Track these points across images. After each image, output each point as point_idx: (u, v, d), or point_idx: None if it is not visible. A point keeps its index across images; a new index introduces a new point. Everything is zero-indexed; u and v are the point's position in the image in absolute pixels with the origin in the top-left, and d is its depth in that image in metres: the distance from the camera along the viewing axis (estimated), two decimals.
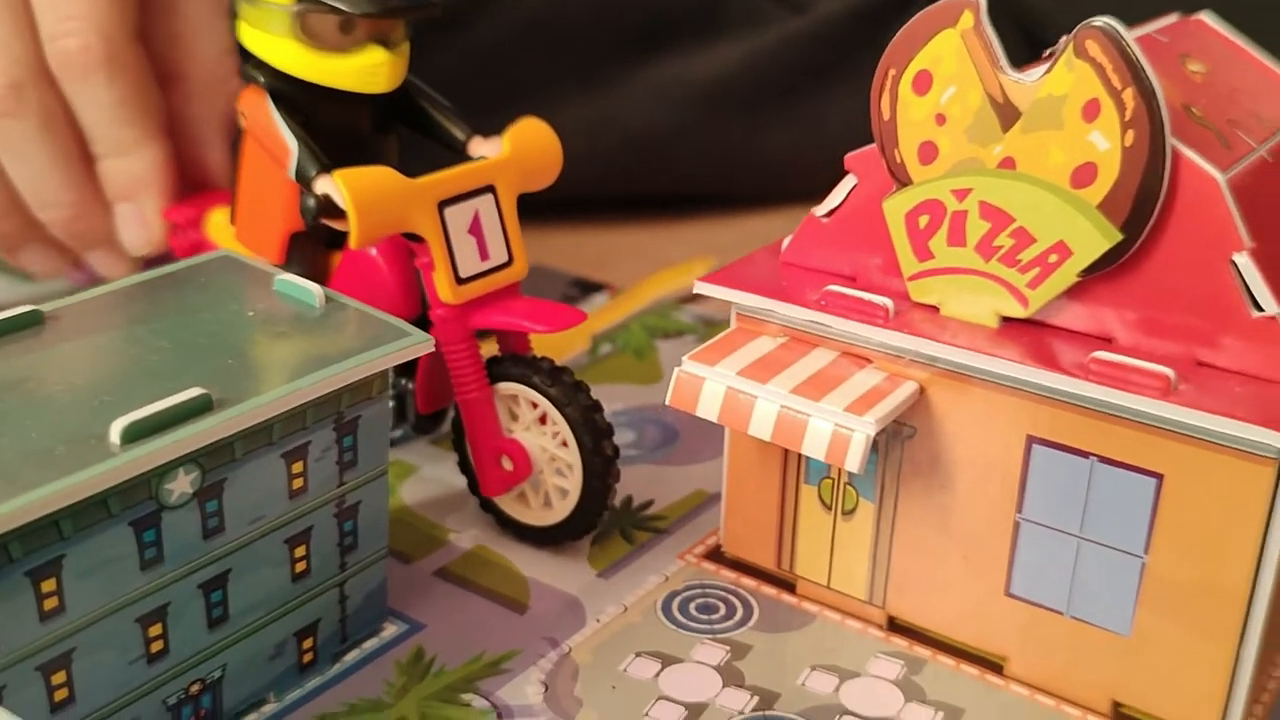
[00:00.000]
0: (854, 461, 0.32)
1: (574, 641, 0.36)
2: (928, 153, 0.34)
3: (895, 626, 0.37)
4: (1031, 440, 0.33)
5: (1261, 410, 0.30)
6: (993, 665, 0.35)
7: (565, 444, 0.37)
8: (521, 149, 0.39)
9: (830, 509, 0.37)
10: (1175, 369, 0.31)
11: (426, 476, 0.43)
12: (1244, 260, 0.31)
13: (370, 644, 0.35)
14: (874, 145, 0.35)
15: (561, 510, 0.39)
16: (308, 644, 0.34)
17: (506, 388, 0.38)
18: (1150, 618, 0.32)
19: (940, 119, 0.34)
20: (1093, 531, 0.33)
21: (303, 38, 0.37)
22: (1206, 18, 0.40)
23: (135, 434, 0.27)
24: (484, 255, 0.38)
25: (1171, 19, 0.39)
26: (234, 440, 0.29)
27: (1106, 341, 0.33)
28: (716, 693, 0.34)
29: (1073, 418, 0.32)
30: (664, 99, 0.67)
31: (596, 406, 0.37)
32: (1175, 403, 0.30)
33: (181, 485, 0.29)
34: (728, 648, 0.35)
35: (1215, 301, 0.31)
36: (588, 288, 0.59)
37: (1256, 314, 0.31)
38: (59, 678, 0.28)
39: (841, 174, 0.36)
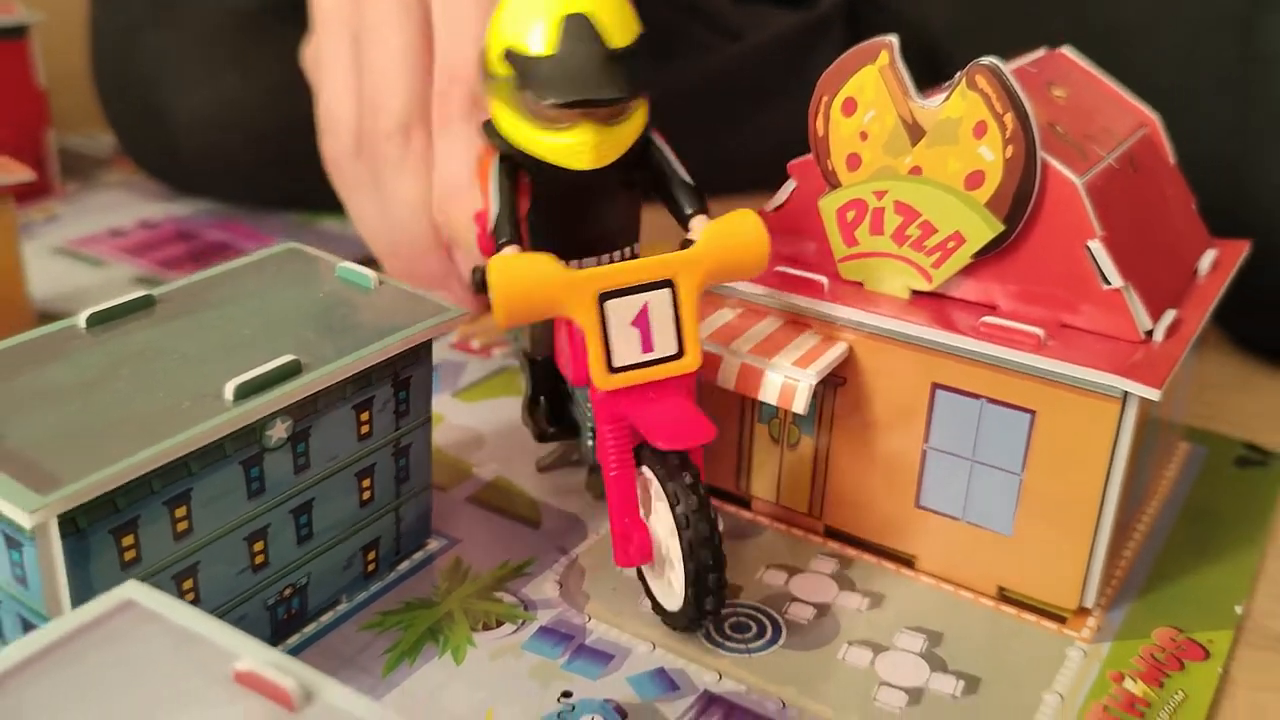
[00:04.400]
0: (800, 405, 0.35)
1: (579, 550, 0.39)
2: (853, 162, 0.37)
3: (830, 533, 0.40)
4: (935, 386, 0.36)
5: (1109, 361, 0.33)
6: (906, 561, 0.38)
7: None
8: (719, 244, 0.33)
9: (778, 442, 0.40)
10: (1045, 330, 0.34)
11: (453, 424, 0.46)
12: (1096, 246, 0.34)
13: (418, 556, 0.38)
14: (810, 155, 0.38)
15: (671, 599, 0.34)
16: (371, 556, 0.36)
17: (646, 471, 0.34)
18: (1026, 521, 0.36)
19: (863, 135, 0.36)
20: (982, 456, 0.36)
21: (520, 109, 0.32)
22: (1067, 51, 0.43)
23: (245, 392, 0.30)
24: (647, 347, 0.32)
25: (1040, 53, 0.42)
26: (317, 396, 0.32)
27: (992, 308, 0.36)
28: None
29: (967, 368, 0.35)
30: None
31: (704, 511, 0.32)
32: (1045, 356, 0.34)
33: (279, 432, 0.31)
34: None
35: (1075, 277, 0.34)
36: None
37: (1105, 287, 0.34)
38: (188, 584, 0.30)
39: (780, 172, 0.39)
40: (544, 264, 0.31)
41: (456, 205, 0.43)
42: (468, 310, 0.36)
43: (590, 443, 0.38)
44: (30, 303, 0.50)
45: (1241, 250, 0.42)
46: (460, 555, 0.38)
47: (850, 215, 0.37)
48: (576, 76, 0.31)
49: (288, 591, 0.33)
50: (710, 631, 0.35)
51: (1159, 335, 0.34)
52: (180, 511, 0.29)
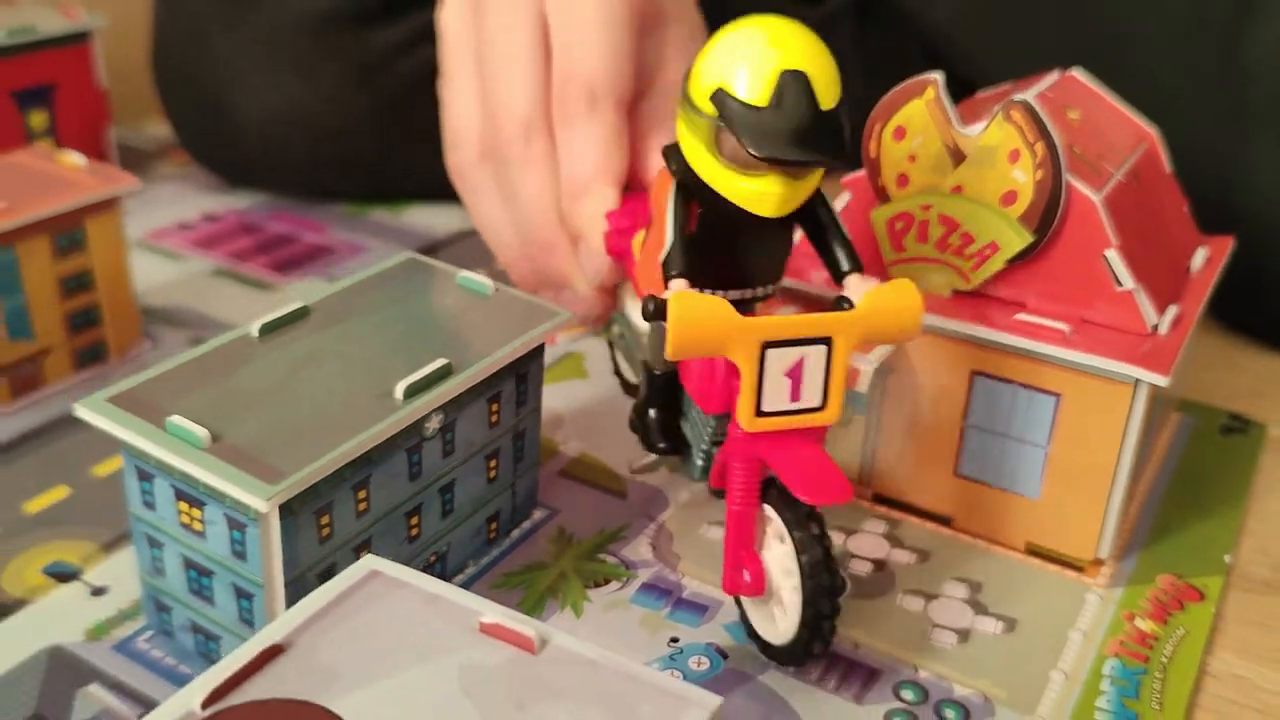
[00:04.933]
0: (864, 385, 0.41)
1: (664, 517, 0.45)
2: (902, 181, 0.43)
3: (879, 499, 0.46)
4: (974, 373, 0.42)
5: (1123, 352, 0.39)
6: (944, 521, 0.45)
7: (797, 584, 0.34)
8: (878, 309, 0.33)
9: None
10: (1069, 325, 0.40)
11: None
12: (1112, 254, 0.40)
13: (526, 525, 0.44)
14: (863, 172, 0.44)
15: (776, 635, 0.36)
16: (493, 526, 0.42)
17: (768, 509, 0.35)
18: (1051, 487, 0.42)
19: (911, 158, 0.42)
20: (1014, 431, 0.42)
21: (714, 149, 0.33)
22: (1077, 73, 0.49)
23: (412, 392, 0.35)
24: (795, 396, 0.33)
25: (1055, 75, 0.48)
26: (463, 393, 0.38)
27: (1023, 306, 0.42)
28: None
29: (1001, 358, 0.41)
30: None
31: (827, 563, 0.33)
32: (1069, 348, 0.40)
33: (434, 424, 0.37)
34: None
35: (1093, 280, 0.40)
36: None
37: (1119, 289, 0.40)
38: (363, 553, 0.36)
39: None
40: (720, 308, 0.32)
41: (583, 203, 0.44)
42: (575, 313, 0.41)
43: (700, 463, 0.39)
44: (136, 301, 0.55)
45: (1227, 246, 0.48)
46: (562, 524, 0.44)
47: (899, 225, 0.43)
48: (792, 134, 0.31)
49: (433, 558, 0.39)
50: None
51: (1164, 328, 0.41)
52: (362, 494, 0.35)
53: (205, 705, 0.24)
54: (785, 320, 0.33)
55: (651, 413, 0.40)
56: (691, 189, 0.34)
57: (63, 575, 0.41)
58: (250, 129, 0.69)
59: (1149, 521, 0.45)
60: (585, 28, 0.43)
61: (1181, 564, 0.43)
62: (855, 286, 0.34)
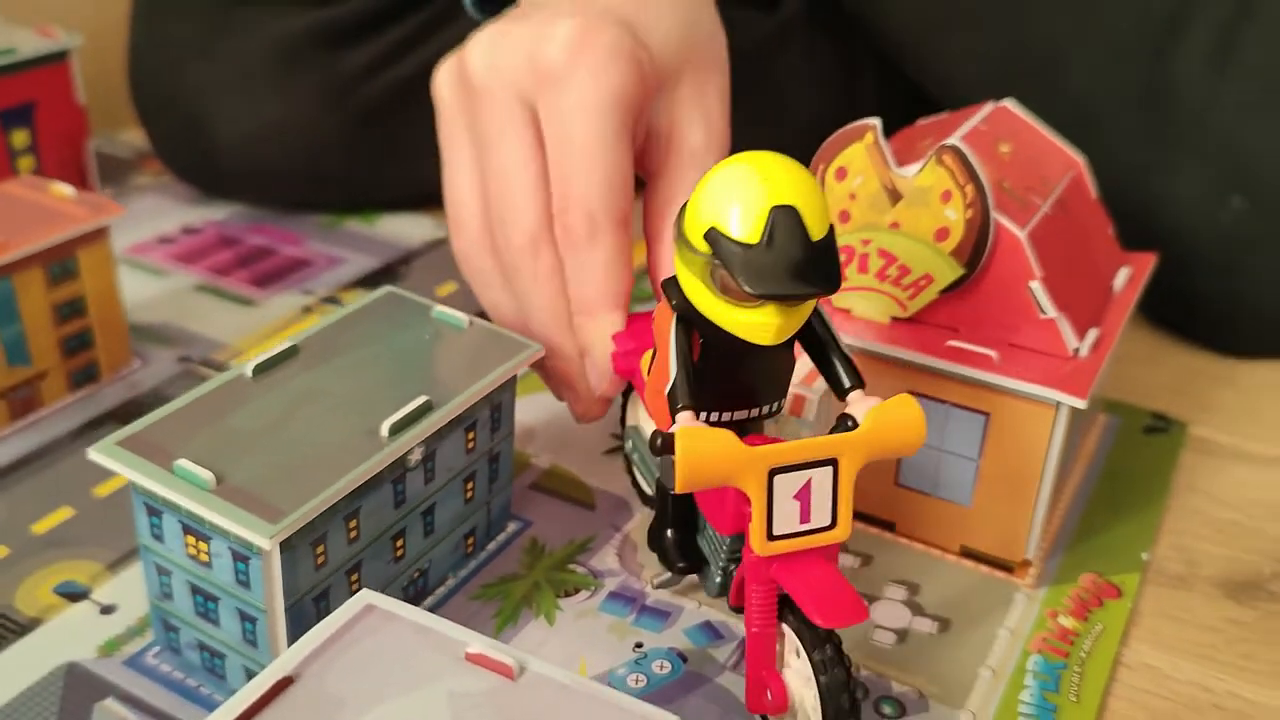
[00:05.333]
0: (810, 413, 0.45)
1: (629, 528, 0.48)
2: (844, 217, 0.46)
3: None
4: (911, 394, 0.45)
5: (1046, 376, 0.43)
6: (887, 526, 0.49)
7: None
8: (881, 427, 0.35)
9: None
10: (997, 351, 0.44)
11: None
12: (1036, 285, 0.44)
13: (501, 538, 0.47)
14: None
15: None
16: (470, 541, 0.45)
17: (785, 628, 0.36)
18: (982, 495, 0.46)
19: (852, 196, 0.46)
20: (948, 446, 0.46)
21: (710, 285, 0.34)
22: (1009, 104, 0.52)
23: (396, 429, 0.39)
24: (805, 519, 0.34)
25: (989, 107, 0.52)
26: (443, 426, 0.41)
27: (955, 332, 0.45)
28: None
29: (935, 380, 0.45)
30: None
31: (848, 684, 0.34)
32: (996, 373, 0.43)
33: (416, 455, 0.40)
34: None
35: (1020, 309, 0.44)
36: None
37: (1042, 316, 0.44)
38: (354, 578, 0.39)
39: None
40: (726, 441, 0.33)
41: (592, 324, 0.45)
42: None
43: (719, 579, 0.40)
44: (125, 321, 0.58)
45: (1149, 263, 0.52)
46: (535, 535, 0.48)
47: (842, 258, 0.46)
48: (784, 271, 0.32)
49: (416, 574, 0.43)
50: None
51: (1084, 351, 0.44)
52: (353, 524, 0.38)
53: None
54: (791, 446, 0.33)
55: (669, 533, 0.42)
56: (692, 320, 0.35)
57: (73, 595, 0.44)
58: (227, 148, 0.71)
59: (1074, 523, 0.49)
60: (580, 154, 0.43)
61: (1102, 563, 0.47)
62: (857, 404, 0.35)
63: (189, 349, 0.60)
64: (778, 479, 0.33)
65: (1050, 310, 0.44)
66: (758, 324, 0.34)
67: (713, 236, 0.33)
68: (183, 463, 0.36)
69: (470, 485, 0.44)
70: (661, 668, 0.41)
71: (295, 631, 0.37)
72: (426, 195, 0.68)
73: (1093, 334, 0.45)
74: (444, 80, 0.47)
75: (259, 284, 0.67)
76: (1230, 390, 0.60)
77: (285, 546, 0.36)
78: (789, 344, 0.36)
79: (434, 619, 0.31)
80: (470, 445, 0.43)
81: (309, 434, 0.39)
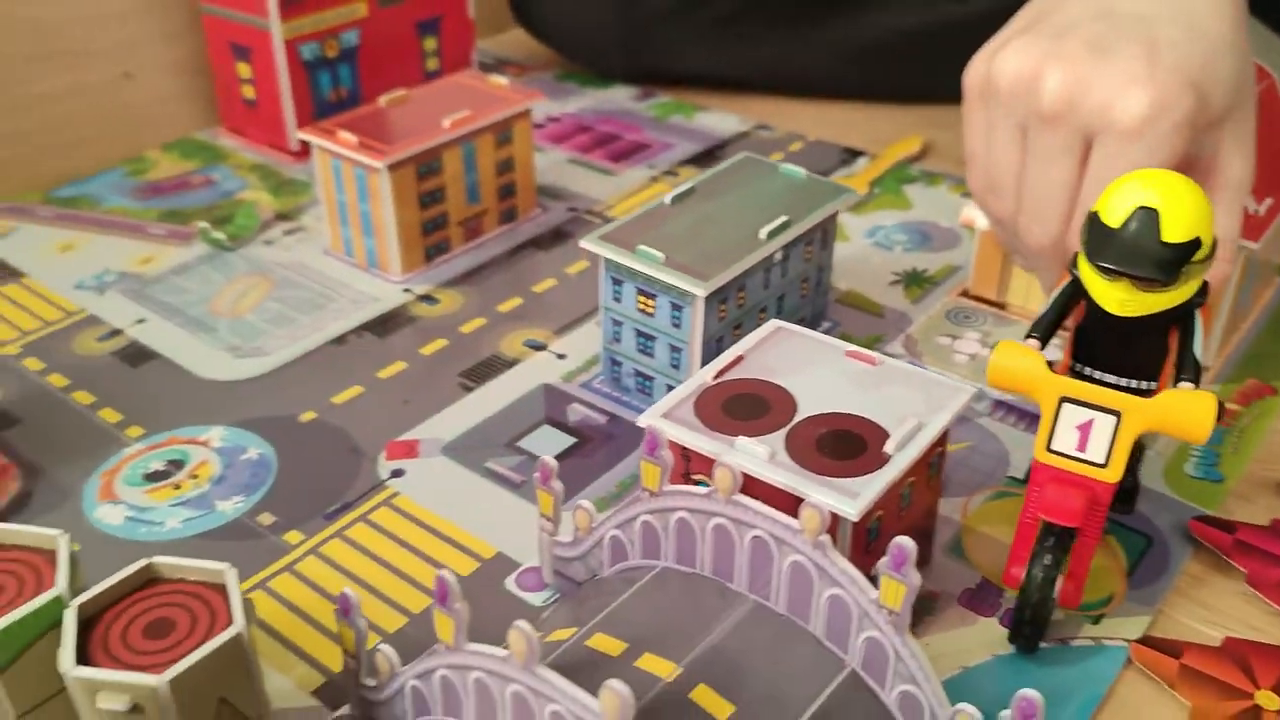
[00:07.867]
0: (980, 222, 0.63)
1: (912, 329, 0.68)
2: None
3: None
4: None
5: None
6: None
7: None
8: (1168, 407, 0.39)
9: None
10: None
11: None
12: None
13: (820, 328, 0.67)
14: None
15: None
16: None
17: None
18: None
19: None
20: None
21: (1085, 255, 0.40)
22: None
23: (771, 235, 0.59)
24: (1081, 448, 0.40)
25: None
26: (794, 239, 0.61)
27: None
28: None
29: None
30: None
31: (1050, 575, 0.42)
32: None
33: (779, 255, 0.61)
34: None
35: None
36: (854, 154, 0.89)
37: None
38: (736, 330, 0.60)
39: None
40: (1031, 360, 0.40)
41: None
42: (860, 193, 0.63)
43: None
44: (535, 179, 0.80)
45: None
46: (843, 331, 0.67)
47: None
48: (1121, 250, 0.38)
49: None
50: None
51: (1261, 211, 0.61)
52: (741, 294, 0.59)
53: (716, 378, 0.48)
54: (1086, 386, 0.40)
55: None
56: (1080, 286, 0.41)
57: (536, 347, 0.66)
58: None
59: (1245, 346, 0.66)
60: (1048, 202, 0.49)
61: (1263, 371, 0.64)
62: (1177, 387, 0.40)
63: (573, 202, 0.82)
64: (1065, 406, 0.40)
65: None
66: (1111, 294, 0.39)
67: (1092, 217, 0.40)
68: (642, 247, 0.57)
69: (805, 284, 0.64)
70: None
71: (706, 359, 0.58)
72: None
73: (1268, 201, 0.62)
74: (976, 79, 0.51)
75: (614, 160, 0.89)
76: None
77: (707, 300, 0.56)
78: (1160, 332, 0.41)
79: (821, 335, 0.52)
80: (808, 256, 0.63)
81: (715, 236, 0.59)
